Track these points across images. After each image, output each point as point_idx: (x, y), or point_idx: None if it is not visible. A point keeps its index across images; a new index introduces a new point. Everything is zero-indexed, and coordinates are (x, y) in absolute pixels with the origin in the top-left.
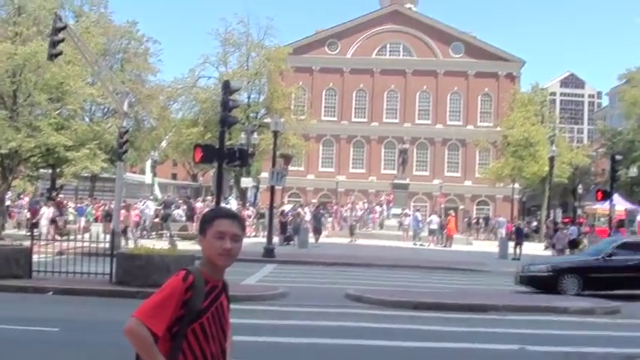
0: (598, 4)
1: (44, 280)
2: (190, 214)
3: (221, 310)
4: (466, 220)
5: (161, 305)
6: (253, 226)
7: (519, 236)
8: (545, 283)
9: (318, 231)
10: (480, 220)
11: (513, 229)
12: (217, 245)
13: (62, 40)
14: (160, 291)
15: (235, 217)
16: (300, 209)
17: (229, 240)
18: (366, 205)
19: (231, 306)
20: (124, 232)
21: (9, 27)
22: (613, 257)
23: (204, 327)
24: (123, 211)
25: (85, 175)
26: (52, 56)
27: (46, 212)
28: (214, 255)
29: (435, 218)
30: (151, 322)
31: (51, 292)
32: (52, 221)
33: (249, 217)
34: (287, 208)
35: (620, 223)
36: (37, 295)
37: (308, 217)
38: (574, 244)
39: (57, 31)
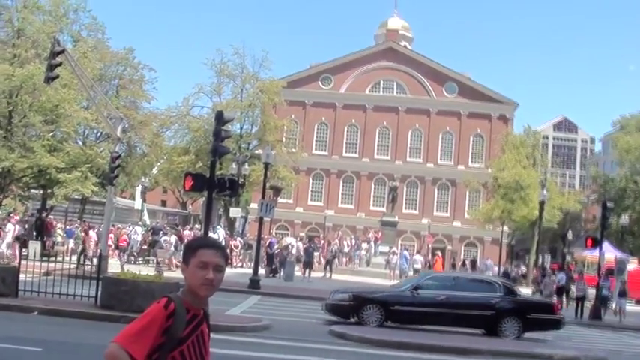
0: (592, 51)
1: (30, 299)
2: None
3: (202, 338)
4: (451, 261)
5: (142, 331)
6: (240, 257)
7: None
8: (347, 311)
9: (309, 265)
10: (466, 262)
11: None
12: (200, 275)
13: (59, 64)
14: (142, 317)
15: (219, 247)
16: (290, 241)
17: (212, 270)
18: (353, 242)
19: (213, 335)
20: (83, 254)
21: (8, 49)
22: (420, 291)
23: (184, 355)
24: (82, 234)
25: (76, 197)
26: (49, 79)
27: (11, 230)
28: (197, 284)
29: (419, 257)
30: (132, 348)
31: (36, 312)
32: (17, 238)
33: (237, 247)
34: (294, 242)
35: (610, 271)
36: (22, 315)
37: (295, 250)
38: (562, 291)
39: (55, 54)
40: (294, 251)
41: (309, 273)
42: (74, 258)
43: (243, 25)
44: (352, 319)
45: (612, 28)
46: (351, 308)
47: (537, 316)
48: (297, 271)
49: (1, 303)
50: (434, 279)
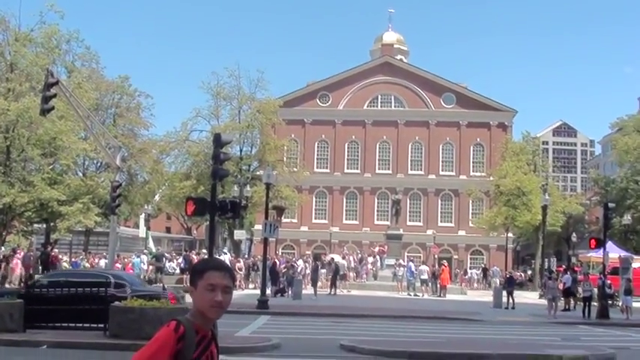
0: (588, 54)
1: (38, 333)
2: (188, 267)
3: (211, 359)
4: (457, 271)
5: (153, 356)
6: (243, 278)
7: (511, 285)
8: None
9: (315, 282)
10: (469, 271)
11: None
12: (209, 297)
13: (54, 96)
14: (152, 342)
15: (226, 269)
16: (298, 261)
17: (220, 292)
18: (358, 257)
19: (224, 357)
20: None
21: (2, 83)
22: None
23: None
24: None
25: (79, 229)
26: (45, 112)
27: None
28: (206, 307)
29: (424, 268)
30: None
31: (45, 346)
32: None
33: (240, 269)
34: (300, 262)
35: (614, 271)
36: (31, 349)
37: (301, 268)
38: (569, 293)
39: (49, 86)
40: (302, 269)
41: (316, 290)
42: None
43: (238, 46)
44: None
45: (607, 32)
46: None
47: None
48: (308, 290)
49: (10, 339)
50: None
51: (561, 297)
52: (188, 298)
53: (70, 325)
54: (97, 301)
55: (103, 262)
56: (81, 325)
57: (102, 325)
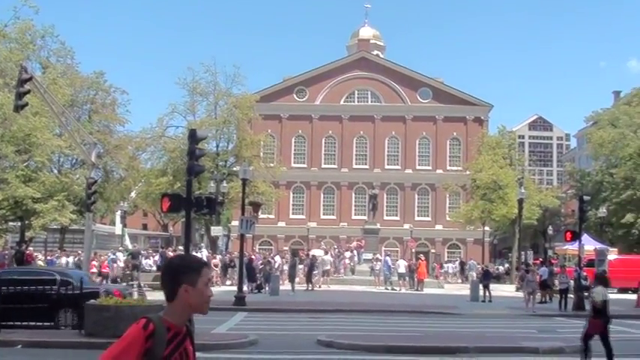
0: (564, 49)
1: (12, 333)
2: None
3: (186, 356)
4: (434, 265)
5: (122, 354)
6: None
7: (487, 278)
8: None
9: (292, 278)
10: (445, 265)
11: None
12: (206, 293)
13: (28, 92)
14: (121, 340)
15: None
16: (275, 257)
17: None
18: (335, 251)
19: (200, 355)
20: None
21: None
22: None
23: None
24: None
25: (55, 227)
26: (18, 108)
27: None
28: (202, 303)
29: (402, 263)
30: None
31: (20, 346)
32: None
33: (216, 266)
34: (277, 258)
35: (590, 263)
36: (5, 349)
37: (278, 264)
38: (545, 285)
39: (23, 82)
40: (276, 265)
41: (293, 286)
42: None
43: (214, 41)
44: None
45: (583, 27)
46: None
47: None
48: (285, 286)
49: None
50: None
51: (538, 290)
52: (158, 296)
53: (16, 323)
54: (44, 300)
55: (64, 260)
56: (26, 323)
57: (51, 324)
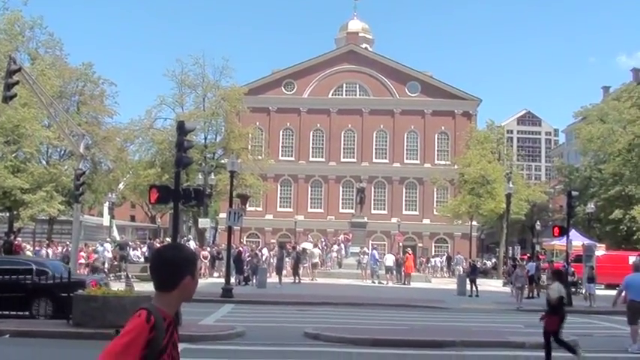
0: (553, 44)
1: (1, 323)
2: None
3: (175, 344)
4: (421, 259)
5: (127, 348)
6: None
7: (474, 273)
8: None
9: (279, 271)
10: (431, 260)
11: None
12: (196, 283)
13: (17, 83)
14: (126, 333)
15: None
16: (263, 250)
17: None
18: (323, 244)
19: (187, 346)
20: None
21: None
22: None
23: None
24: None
25: (43, 217)
26: (7, 99)
27: None
28: (193, 293)
29: (389, 256)
30: None
31: (7, 335)
32: None
33: (205, 258)
34: (265, 251)
35: (578, 258)
36: None
37: (266, 256)
38: (532, 280)
39: (11, 73)
40: (264, 258)
41: (280, 279)
42: None
43: (203, 33)
44: None
45: (572, 22)
46: None
47: (68, 295)
48: (273, 278)
49: None
50: None
51: (527, 285)
52: (145, 287)
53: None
54: (19, 289)
55: (44, 251)
56: (1, 312)
57: (26, 313)
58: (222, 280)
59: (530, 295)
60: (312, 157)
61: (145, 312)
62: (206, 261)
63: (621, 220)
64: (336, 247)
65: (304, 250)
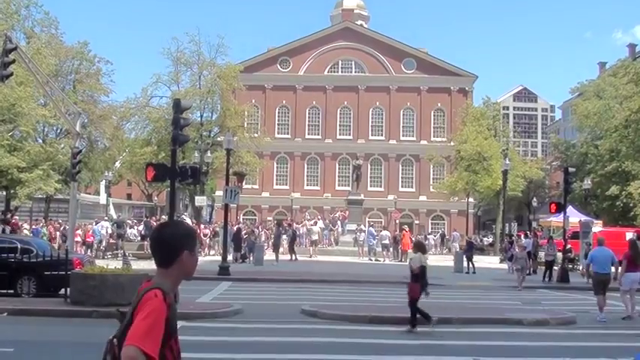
0: (549, 20)
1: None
2: (149, 234)
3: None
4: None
5: (153, 329)
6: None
7: (470, 250)
8: None
9: (276, 248)
10: (427, 237)
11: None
12: (197, 259)
13: (13, 62)
14: (148, 315)
15: None
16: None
17: None
18: (320, 222)
19: (185, 324)
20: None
21: None
22: None
23: (177, 342)
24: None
25: (40, 196)
26: (3, 77)
27: None
28: (194, 268)
29: (386, 233)
30: (147, 347)
31: (5, 313)
32: None
33: (206, 235)
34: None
35: (575, 235)
36: None
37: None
38: (529, 256)
39: (7, 52)
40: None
41: (277, 256)
42: None
43: (198, 11)
44: None
45: None
46: None
47: (51, 274)
48: (270, 255)
49: None
50: None
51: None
52: (142, 265)
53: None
54: (4, 267)
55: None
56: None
57: (11, 291)
58: (219, 258)
59: (529, 272)
60: (308, 134)
61: (161, 292)
62: (206, 239)
63: (618, 196)
64: (339, 223)
65: (306, 227)
